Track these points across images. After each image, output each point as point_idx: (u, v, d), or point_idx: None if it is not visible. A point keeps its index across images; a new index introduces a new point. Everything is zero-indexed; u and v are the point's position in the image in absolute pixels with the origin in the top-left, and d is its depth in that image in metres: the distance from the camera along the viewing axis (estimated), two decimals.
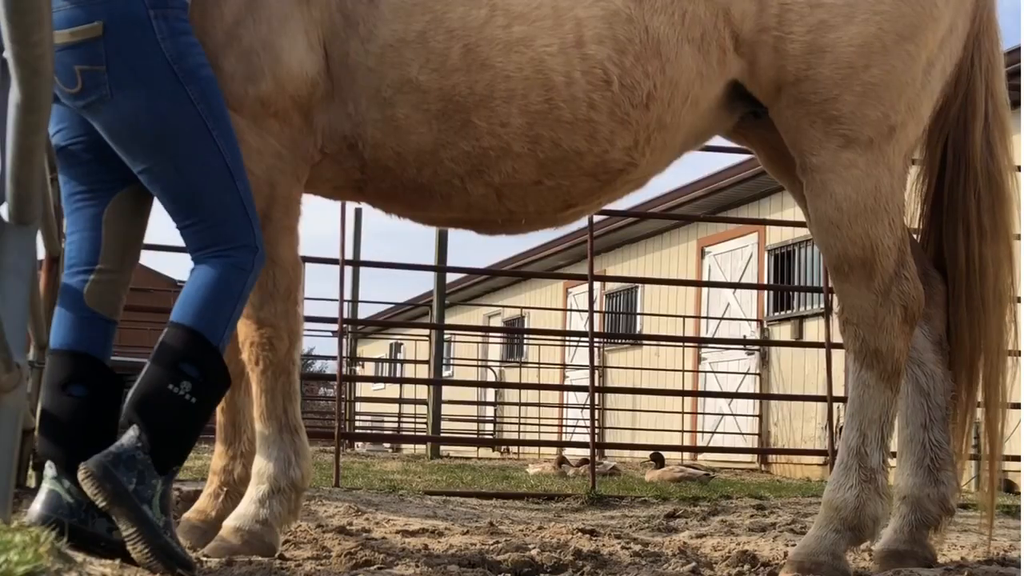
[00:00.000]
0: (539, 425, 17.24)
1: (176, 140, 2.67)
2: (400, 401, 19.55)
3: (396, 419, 21.07)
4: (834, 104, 3.14)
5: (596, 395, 7.77)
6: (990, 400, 3.45)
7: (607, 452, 12.49)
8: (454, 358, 22.26)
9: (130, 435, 2.54)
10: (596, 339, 8.65)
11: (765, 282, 13.15)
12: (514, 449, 18.13)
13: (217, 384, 2.67)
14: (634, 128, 3.13)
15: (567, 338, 17.59)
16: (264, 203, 2.96)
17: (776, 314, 13.16)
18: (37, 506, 2.63)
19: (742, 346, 13.17)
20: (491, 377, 20.49)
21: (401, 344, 25.54)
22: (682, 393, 13.36)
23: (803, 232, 11.72)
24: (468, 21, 3.03)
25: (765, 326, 13.29)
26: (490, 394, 20.35)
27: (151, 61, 2.63)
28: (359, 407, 20.48)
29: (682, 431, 13.96)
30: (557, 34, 3.06)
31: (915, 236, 3.60)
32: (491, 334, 21.77)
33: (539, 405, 17.45)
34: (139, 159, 2.68)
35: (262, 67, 2.92)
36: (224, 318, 2.66)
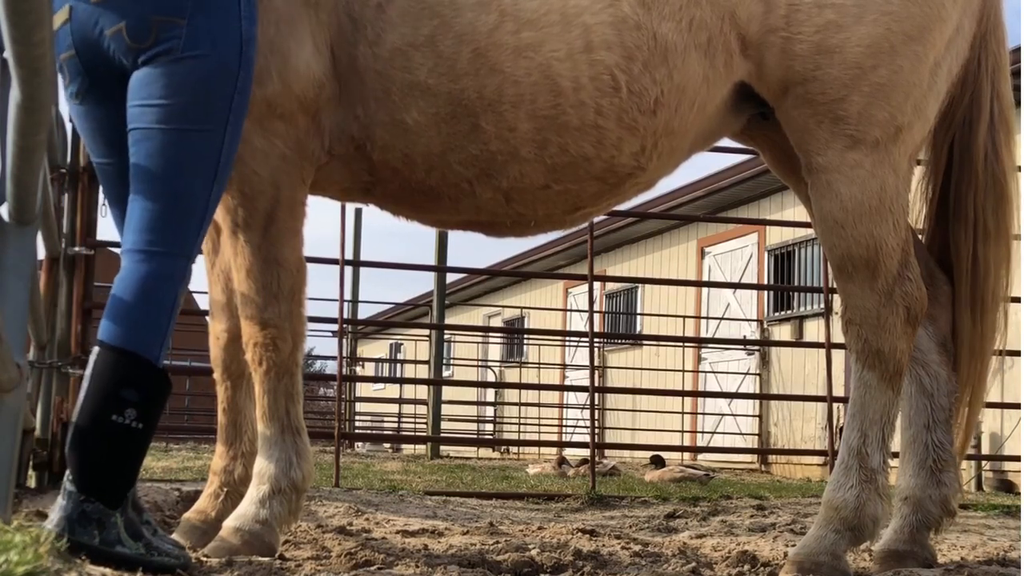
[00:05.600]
0: (539, 425, 17.24)
1: (199, 117, 2.56)
2: (400, 401, 19.55)
3: (396, 419, 21.08)
4: (841, 104, 3.13)
5: (596, 395, 7.77)
6: (973, 399, 3.47)
7: (607, 452, 12.49)
8: (454, 358, 22.25)
9: (68, 490, 2.42)
10: (596, 339, 8.64)
11: (765, 282, 13.14)
12: (514, 449, 18.15)
13: (159, 398, 2.54)
14: (641, 134, 3.13)
15: (567, 338, 17.58)
16: (269, 205, 2.95)
17: (776, 314, 13.16)
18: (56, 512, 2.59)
19: (742, 346, 13.17)
20: (491, 377, 20.49)
21: (401, 344, 25.53)
22: (682, 393, 13.36)
23: (803, 232, 11.74)
24: (477, 26, 3.02)
25: (765, 326, 13.29)
26: (490, 394, 20.35)
27: (228, 32, 2.57)
28: (359, 407, 20.49)
29: (682, 431, 13.97)
30: (565, 39, 3.04)
31: (920, 236, 3.60)
32: (491, 334, 21.77)
33: (539, 405, 17.44)
34: (151, 118, 2.55)
35: (269, 69, 2.91)
36: (159, 333, 2.52)
